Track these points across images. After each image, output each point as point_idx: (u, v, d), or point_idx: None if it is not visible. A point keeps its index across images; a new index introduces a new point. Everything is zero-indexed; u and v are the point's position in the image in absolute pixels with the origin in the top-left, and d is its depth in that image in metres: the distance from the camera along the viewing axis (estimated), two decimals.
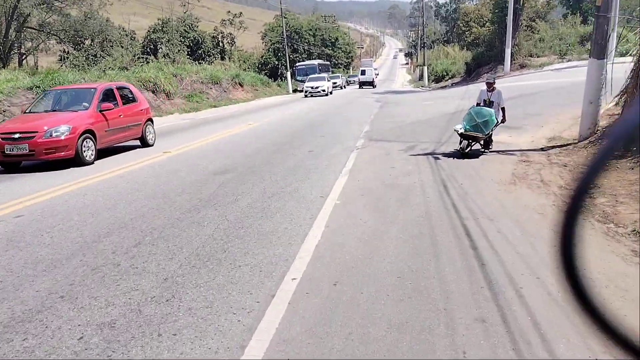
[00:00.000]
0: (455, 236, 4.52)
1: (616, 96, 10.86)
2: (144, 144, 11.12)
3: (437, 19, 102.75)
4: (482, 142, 8.71)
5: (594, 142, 9.16)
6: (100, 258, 4.03)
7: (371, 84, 46.83)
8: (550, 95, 17.37)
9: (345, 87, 48.81)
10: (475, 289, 3.45)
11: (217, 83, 32.24)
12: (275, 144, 10.39)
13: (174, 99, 26.38)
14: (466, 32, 59.32)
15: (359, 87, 46.70)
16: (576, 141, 9.52)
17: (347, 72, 67.05)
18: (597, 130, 9.45)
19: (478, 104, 8.93)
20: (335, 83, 43.33)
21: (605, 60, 8.93)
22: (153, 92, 24.81)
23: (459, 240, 4.41)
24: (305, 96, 33.29)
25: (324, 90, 34.02)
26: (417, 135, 11.30)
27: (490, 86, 8.92)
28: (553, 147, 9.50)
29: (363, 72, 48.91)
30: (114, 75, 22.34)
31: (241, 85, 35.62)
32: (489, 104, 8.81)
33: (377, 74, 59.40)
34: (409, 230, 4.69)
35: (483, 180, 6.97)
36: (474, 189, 6.38)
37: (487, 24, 52.39)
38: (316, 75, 38.89)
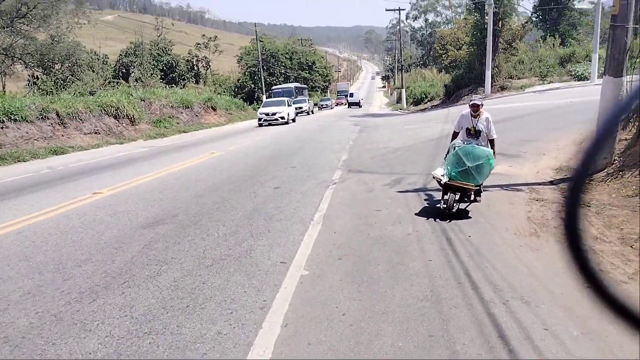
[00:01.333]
0: (484, 343, 2.88)
1: (624, 118, 9.59)
2: None
3: (413, 42, 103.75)
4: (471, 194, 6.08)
5: (614, 174, 7.73)
6: None
7: (358, 104, 56.53)
8: (539, 119, 16.14)
9: (312, 113, 42.12)
10: None
11: (189, 107, 30.61)
12: (236, 180, 8.67)
13: (139, 124, 24.61)
14: (443, 55, 59.22)
15: (348, 107, 55.55)
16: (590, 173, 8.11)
17: (324, 94, 66.09)
18: (614, 161, 8.06)
19: (455, 134, 6.56)
20: (300, 108, 38.19)
21: (623, 78, 7.56)
22: (115, 117, 23.07)
23: (493, 354, 2.76)
24: (260, 124, 27.03)
25: (282, 118, 27.23)
26: (402, 166, 9.77)
27: (477, 110, 6.31)
28: (564, 179, 8.06)
29: (352, 95, 59.07)
30: (69, 100, 20.43)
31: (214, 109, 34.01)
32: (475, 134, 6.29)
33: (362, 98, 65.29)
34: (411, 330, 3.03)
35: (495, 229, 5.40)
36: (488, 245, 4.79)
37: (464, 47, 52.36)
38: (273, 99, 31.93)
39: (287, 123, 27.16)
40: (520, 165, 9.30)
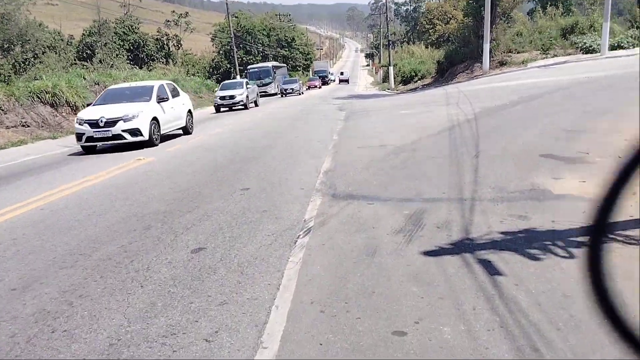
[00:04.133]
0: None
1: None
2: None
3: (397, 18, 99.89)
4: None
5: None
6: None
7: (347, 81, 65.52)
8: (565, 99, 12.78)
9: (255, 104, 27.72)
10: None
11: None
12: (134, 224, 5.08)
13: None
14: (429, 31, 55.73)
15: (339, 83, 64.94)
16: None
17: (305, 74, 62.18)
18: None
19: None
20: (231, 98, 25.30)
21: None
22: (52, 105, 19.24)
23: None
24: (85, 149, 11.95)
25: (136, 133, 11.57)
26: (415, 182, 6.30)
27: None
28: None
29: (342, 74, 70.96)
30: None
31: None
32: None
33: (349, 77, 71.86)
34: None
35: None
36: None
37: (452, 20, 48.97)
38: (124, 86, 15.03)
39: (152, 143, 11.88)
40: (596, 178, 5.77)
